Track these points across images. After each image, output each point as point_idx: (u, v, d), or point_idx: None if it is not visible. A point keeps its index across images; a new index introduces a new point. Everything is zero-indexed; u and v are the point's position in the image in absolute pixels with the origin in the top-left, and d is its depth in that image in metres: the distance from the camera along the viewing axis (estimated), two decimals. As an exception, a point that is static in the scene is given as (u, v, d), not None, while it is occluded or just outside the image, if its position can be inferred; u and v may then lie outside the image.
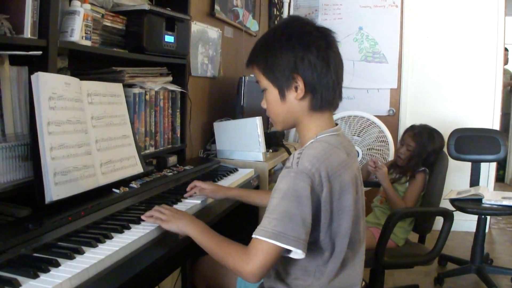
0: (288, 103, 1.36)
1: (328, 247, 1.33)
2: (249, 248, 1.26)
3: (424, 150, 2.83)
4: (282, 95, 1.36)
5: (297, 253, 1.24)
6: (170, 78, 2.32)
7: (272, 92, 1.38)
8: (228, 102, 3.22)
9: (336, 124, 1.43)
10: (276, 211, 1.24)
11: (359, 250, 1.42)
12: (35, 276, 1.04)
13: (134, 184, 1.80)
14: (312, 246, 1.31)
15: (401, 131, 2.90)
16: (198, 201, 1.79)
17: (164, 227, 1.43)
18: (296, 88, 1.34)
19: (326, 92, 1.34)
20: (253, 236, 1.25)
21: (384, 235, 2.39)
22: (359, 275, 1.43)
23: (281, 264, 1.41)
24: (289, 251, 1.24)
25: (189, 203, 1.76)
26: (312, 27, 1.36)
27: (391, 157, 3.81)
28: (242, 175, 2.38)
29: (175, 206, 1.71)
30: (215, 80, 3.14)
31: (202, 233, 1.39)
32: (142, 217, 1.46)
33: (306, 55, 1.31)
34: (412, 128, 2.96)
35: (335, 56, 1.35)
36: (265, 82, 1.39)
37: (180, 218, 1.44)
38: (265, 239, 1.22)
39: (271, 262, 1.24)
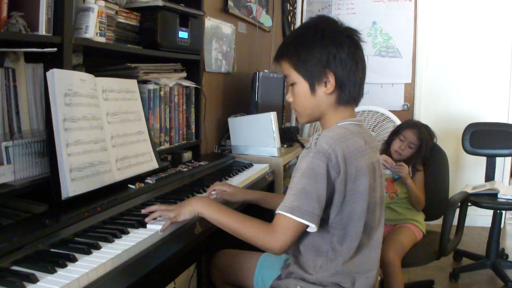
0: (317, 97, 1.43)
1: (339, 228, 1.38)
2: (273, 223, 1.33)
3: (426, 147, 2.78)
4: (313, 89, 1.43)
5: (311, 227, 1.32)
6: (184, 74, 2.32)
7: (302, 86, 1.44)
8: (243, 98, 3.22)
9: None
10: (295, 188, 1.32)
11: (374, 236, 1.46)
12: (52, 271, 1.05)
13: (149, 180, 1.81)
14: (324, 224, 1.37)
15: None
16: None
17: (177, 221, 1.42)
18: (326, 83, 1.41)
19: (353, 88, 1.42)
20: (276, 211, 1.34)
21: (446, 223, 2.45)
22: (375, 260, 1.48)
23: (295, 246, 1.45)
24: (307, 226, 1.32)
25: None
26: (342, 27, 1.44)
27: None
28: (257, 170, 2.37)
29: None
30: (229, 76, 3.14)
31: (218, 211, 1.44)
32: (146, 219, 1.42)
33: (338, 52, 1.39)
34: (414, 125, 2.84)
35: (362, 55, 1.44)
36: (295, 76, 1.45)
37: (187, 204, 1.47)
38: (284, 213, 1.30)
39: (294, 235, 1.32)
